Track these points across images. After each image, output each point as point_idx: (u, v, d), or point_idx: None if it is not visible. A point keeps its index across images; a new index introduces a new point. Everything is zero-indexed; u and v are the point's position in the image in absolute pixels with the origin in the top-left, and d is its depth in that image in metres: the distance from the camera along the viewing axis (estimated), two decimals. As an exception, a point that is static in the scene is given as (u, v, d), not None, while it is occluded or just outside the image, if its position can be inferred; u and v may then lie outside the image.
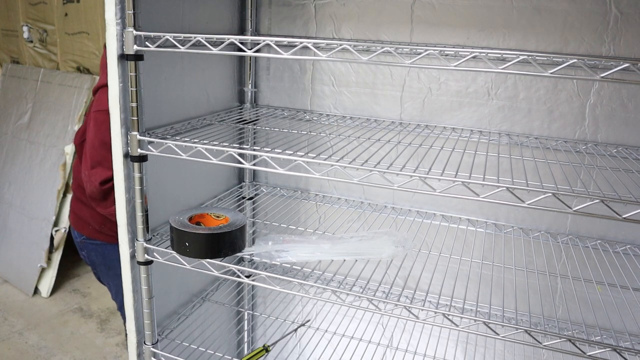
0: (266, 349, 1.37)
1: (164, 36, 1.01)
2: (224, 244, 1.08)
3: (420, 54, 0.91)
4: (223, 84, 1.48)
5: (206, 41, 1.00)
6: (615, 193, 0.88)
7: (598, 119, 1.28)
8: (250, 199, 1.61)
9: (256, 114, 1.50)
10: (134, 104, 1.07)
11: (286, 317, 1.68)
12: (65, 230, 2.98)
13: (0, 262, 3.27)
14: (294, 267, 1.12)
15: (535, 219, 1.39)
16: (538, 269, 1.31)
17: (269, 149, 1.01)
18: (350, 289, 1.02)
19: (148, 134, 1.12)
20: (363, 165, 0.95)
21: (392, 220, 1.47)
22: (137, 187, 1.12)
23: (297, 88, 1.55)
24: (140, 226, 1.15)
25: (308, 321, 1.61)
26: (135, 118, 1.08)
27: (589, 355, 0.89)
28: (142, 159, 1.10)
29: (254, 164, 1.01)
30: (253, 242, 1.19)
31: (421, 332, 1.55)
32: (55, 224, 2.99)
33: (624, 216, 0.83)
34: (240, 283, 1.69)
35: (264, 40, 0.99)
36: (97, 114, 1.62)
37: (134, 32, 1.02)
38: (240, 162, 1.03)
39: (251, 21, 1.50)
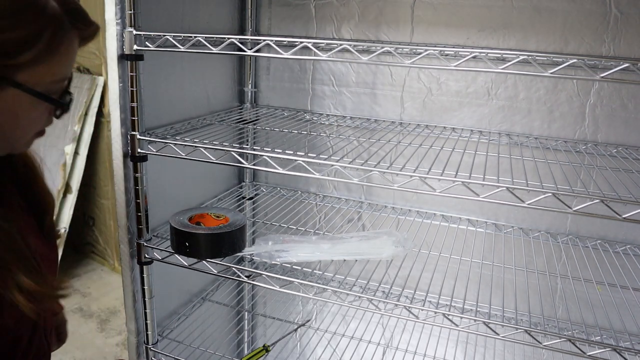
0: (266, 349, 1.37)
1: (164, 36, 1.01)
2: (224, 244, 1.08)
3: (420, 54, 0.91)
4: (223, 84, 1.48)
5: (206, 41, 1.00)
6: (615, 193, 0.88)
7: (598, 119, 1.28)
8: (250, 199, 1.61)
9: (256, 114, 1.50)
10: (134, 104, 1.07)
11: (286, 317, 1.68)
12: (65, 230, 2.98)
13: (0, 262, 3.28)
14: (294, 267, 1.12)
15: (535, 219, 1.39)
16: (538, 269, 1.31)
17: (269, 149, 1.01)
18: (350, 289, 1.02)
19: (148, 134, 1.12)
20: (363, 165, 0.95)
21: (392, 220, 1.47)
22: (137, 187, 1.12)
23: (297, 88, 1.55)
24: (140, 226, 1.15)
25: (308, 321, 1.61)
26: (135, 118, 1.07)
27: (589, 355, 0.89)
28: (142, 159, 1.10)
29: (254, 164, 1.01)
30: (253, 242, 1.19)
31: (421, 332, 1.55)
32: (55, 224, 2.99)
33: (624, 216, 0.83)
34: (240, 283, 1.69)
35: (264, 40, 0.99)
36: None
37: (134, 32, 1.02)
38: (240, 162, 1.03)
39: (251, 21, 1.50)
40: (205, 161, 1.04)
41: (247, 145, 1.55)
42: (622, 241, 1.32)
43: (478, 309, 1.05)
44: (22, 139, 0.68)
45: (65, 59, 0.62)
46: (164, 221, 1.24)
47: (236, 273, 1.11)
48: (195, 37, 1.00)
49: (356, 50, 0.92)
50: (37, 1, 0.57)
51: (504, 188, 0.87)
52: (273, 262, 1.09)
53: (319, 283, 1.05)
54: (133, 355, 1.24)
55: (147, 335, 1.22)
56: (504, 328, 0.94)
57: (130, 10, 1.01)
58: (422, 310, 0.98)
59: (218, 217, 1.16)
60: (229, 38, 1.00)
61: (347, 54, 0.95)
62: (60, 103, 0.67)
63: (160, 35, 1.02)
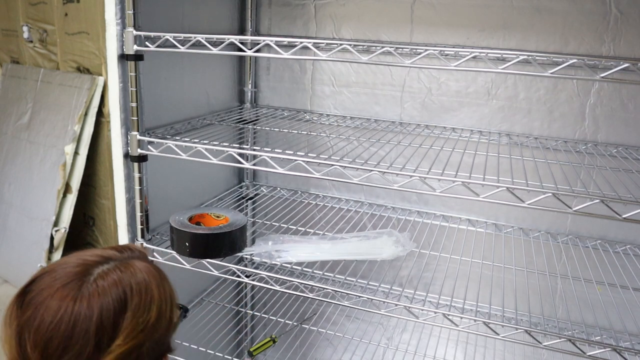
0: (273, 340, 1.38)
1: (164, 36, 1.01)
2: (224, 244, 1.08)
3: (420, 54, 0.91)
4: (223, 84, 1.48)
5: (206, 41, 1.00)
6: (615, 193, 0.88)
7: (598, 119, 1.28)
8: (250, 199, 1.61)
9: (256, 114, 1.50)
10: (134, 104, 1.07)
11: (286, 317, 1.68)
12: (65, 230, 2.98)
13: (0, 262, 3.28)
14: (294, 267, 1.12)
15: (535, 219, 1.38)
16: (538, 269, 1.31)
17: (269, 149, 1.01)
18: (351, 289, 1.02)
19: (148, 134, 1.12)
20: (363, 165, 0.95)
21: (392, 220, 1.47)
22: (137, 187, 1.12)
23: (297, 88, 1.55)
24: (140, 226, 1.14)
25: (315, 314, 1.61)
26: (135, 118, 1.07)
27: (589, 355, 0.89)
28: (142, 159, 1.10)
29: (254, 164, 1.01)
30: (253, 242, 1.18)
31: (421, 332, 1.55)
32: (55, 224, 2.99)
33: (624, 216, 0.83)
34: (240, 283, 1.69)
35: (264, 40, 0.99)
36: None
37: (134, 32, 1.02)
38: (240, 162, 1.03)
39: (251, 21, 1.50)
40: (205, 161, 1.04)
41: (247, 145, 1.55)
42: (622, 241, 1.32)
43: (478, 309, 1.05)
44: None
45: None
46: (164, 221, 1.24)
47: (236, 273, 1.11)
48: (195, 37, 1.00)
49: (356, 50, 0.92)
50: (165, 283, 0.71)
51: (504, 188, 0.87)
52: (273, 262, 1.09)
53: (319, 283, 1.05)
54: (133, 355, 1.24)
55: (147, 335, 1.22)
56: (504, 328, 0.94)
57: (130, 10, 1.01)
58: (422, 310, 0.97)
59: (218, 217, 1.15)
60: (228, 38, 1.00)
61: (347, 54, 0.95)
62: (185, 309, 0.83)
63: (160, 35, 1.02)
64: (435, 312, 0.96)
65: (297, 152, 1.00)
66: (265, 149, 1.02)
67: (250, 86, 1.56)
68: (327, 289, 1.02)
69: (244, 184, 1.65)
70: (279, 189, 1.62)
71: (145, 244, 1.15)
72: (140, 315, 0.60)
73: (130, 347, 0.58)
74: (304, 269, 1.27)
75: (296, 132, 1.39)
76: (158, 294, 0.64)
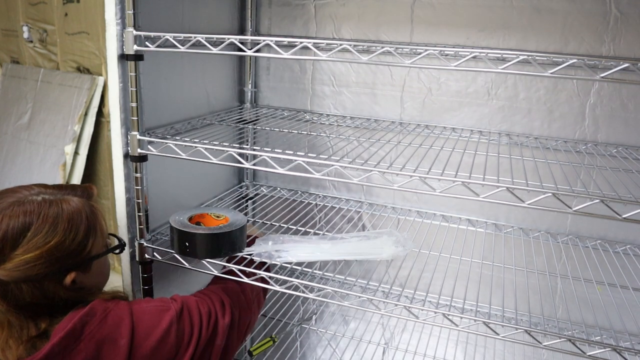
0: (273, 340, 1.38)
1: (164, 36, 1.01)
2: (224, 244, 1.08)
3: (420, 54, 0.91)
4: (223, 84, 1.48)
5: (206, 41, 1.00)
6: (615, 193, 0.88)
7: (598, 119, 1.28)
8: (250, 199, 1.61)
9: (256, 114, 1.50)
10: (134, 104, 1.07)
11: (286, 318, 1.68)
12: (65, 230, 2.97)
13: (0, 262, 3.27)
14: (294, 267, 1.12)
15: (535, 219, 1.39)
16: (538, 269, 1.31)
17: (269, 149, 1.01)
18: (350, 289, 1.02)
19: (148, 134, 1.12)
20: (363, 165, 0.95)
21: (392, 220, 1.47)
22: (137, 187, 1.12)
23: (297, 88, 1.55)
24: (140, 226, 1.14)
25: (315, 314, 1.61)
26: (135, 118, 1.07)
27: (589, 355, 0.89)
28: (142, 158, 1.10)
29: (254, 164, 1.01)
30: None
31: (421, 332, 1.55)
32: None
33: (624, 216, 0.83)
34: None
35: (264, 40, 0.99)
36: None
37: (134, 32, 1.02)
38: (240, 162, 1.03)
39: (251, 21, 1.50)
40: (205, 161, 1.04)
41: (247, 145, 1.55)
42: (622, 241, 1.32)
43: (478, 309, 1.05)
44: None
45: (102, 224, 0.93)
46: (164, 221, 1.24)
47: (236, 273, 1.11)
48: (195, 37, 1.00)
49: (356, 50, 0.92)
50: (82, 216, 0.87)
51: (504, 188, 0.87)
52: (273, 262, 1.09)
53: (319, 283, 1.05)
54: (133, 355, 1.24)
55: (147, 335, 1.22)
56: (504, 328, 0.94)
57: (130, 10, 1.01)
58: (422, 310, 0.97)
59: (218, 217, 1.15)
60: (228, 38, 1.00)
61: (347, 54, 0.95)
62: (122, 244, 1.02)
63: (160, 35, 1.02)
64: (435, 312, 0.96)
65: (297, 152, 1.00)
66: (265, 149, 1.02)
67: (250, 86, 1.56)
68: (327, 289, 1.02)
69: (244, 184, 1.65)
70: (279, 189, 1.62)
71: (145, 244, 1.15)
72: (40, 238, 0.80)
73: (27, 258, 0.79)
74: (304, 269, 1.27)
75: (296, 132, 1.39)
76: (66, 226, 0.83)
